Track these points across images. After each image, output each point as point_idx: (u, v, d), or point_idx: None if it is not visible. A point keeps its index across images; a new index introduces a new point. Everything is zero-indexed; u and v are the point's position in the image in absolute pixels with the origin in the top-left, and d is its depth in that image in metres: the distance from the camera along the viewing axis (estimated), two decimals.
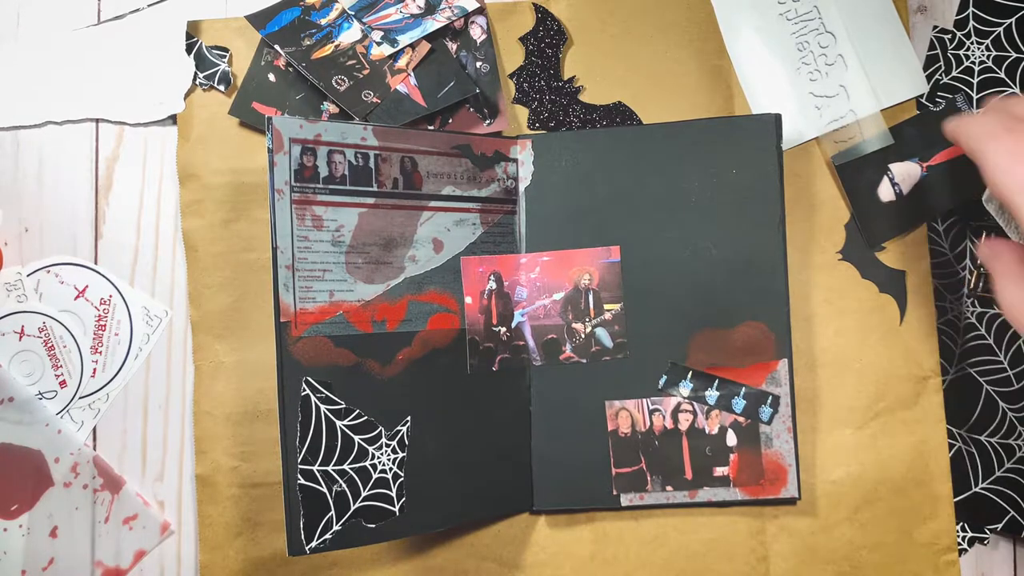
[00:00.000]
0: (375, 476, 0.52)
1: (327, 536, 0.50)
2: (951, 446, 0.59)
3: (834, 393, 0.59)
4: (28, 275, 0.59)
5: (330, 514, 0.51)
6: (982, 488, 0.58)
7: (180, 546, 0.59)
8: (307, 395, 0.51)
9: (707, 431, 0.57)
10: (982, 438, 0.59)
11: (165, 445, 0.59)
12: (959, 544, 0.58)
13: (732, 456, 0.57)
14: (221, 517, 0.58)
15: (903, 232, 0.59)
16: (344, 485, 0.51)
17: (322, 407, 0.51)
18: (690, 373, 0.57)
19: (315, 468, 0.51)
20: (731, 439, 0.57)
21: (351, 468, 0.52)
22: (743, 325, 0.57)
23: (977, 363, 0.59)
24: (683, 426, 0.57)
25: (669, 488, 0.57)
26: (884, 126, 0.59)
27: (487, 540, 0.58)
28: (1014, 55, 0.60)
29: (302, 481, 0.50)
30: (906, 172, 0.57)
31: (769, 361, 0.57)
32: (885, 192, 0.58)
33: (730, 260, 0.57)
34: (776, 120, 0.57)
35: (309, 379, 0.51)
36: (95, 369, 0.59)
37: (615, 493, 0.57)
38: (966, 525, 0.58)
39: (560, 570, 0.58)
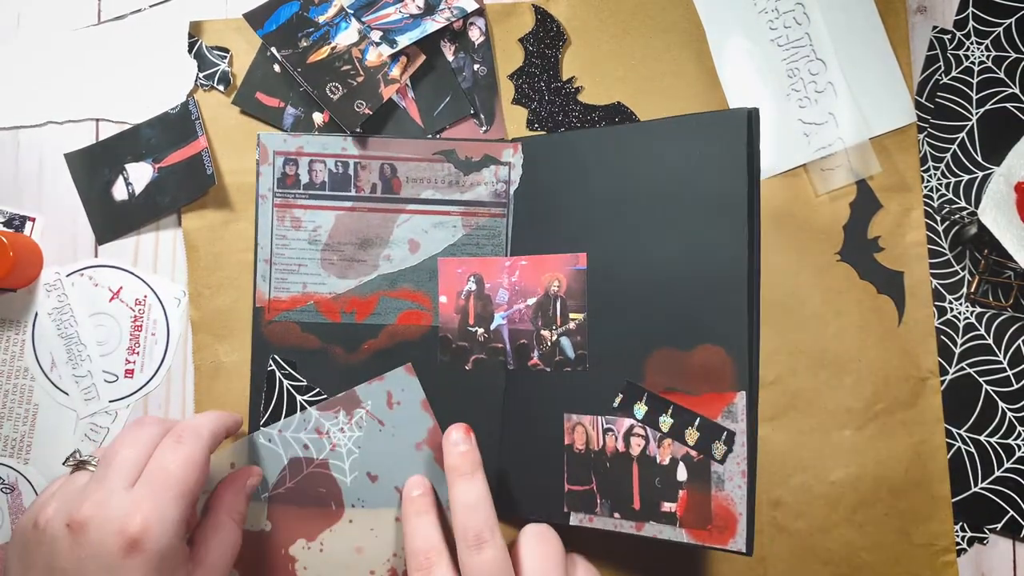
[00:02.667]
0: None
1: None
2: (950, 446, 0.59)
3: (833, 394, 0.58)
4: (67, 276, 0.60)
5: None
6: (982, 488, 0.58)
7: None
8: (272, 370, 0.57)
9: (658, 460, 0.51)
10: (982, 438, 0.59)
11: None
12: (958, 544, 0.58)
13: (681, 492, 0.50)
14: None
15: (134, 229, 0.59)
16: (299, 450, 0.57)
17: (285, 382, 0.57)
18: (645, 395, 0.51)
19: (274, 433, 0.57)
20: (682, 473, 0.50)
21: (307, 437, 0.57)
22: (700, 348, 0.50)
23: (977, 363, 0.59)
24: (634, 451, 0.52)
25: (617, 515, 0.51)
26: (873, 154, 0.59)
27: None
28: (1014, 55, 0.60)
29: (262, 441, 0.57)
30: (140, 172, 0.59)
31: (725, 392, 0.49)
32: (119, 191, 0.59)
33: (691, 274, 0.50)
34: (749, 115, 0.49)
35: (275, 357, 0.57)
36: (133, 370, 0.60)
37: (565, 511, 0.54)
38: (965, 525, 0.58)
39: None
